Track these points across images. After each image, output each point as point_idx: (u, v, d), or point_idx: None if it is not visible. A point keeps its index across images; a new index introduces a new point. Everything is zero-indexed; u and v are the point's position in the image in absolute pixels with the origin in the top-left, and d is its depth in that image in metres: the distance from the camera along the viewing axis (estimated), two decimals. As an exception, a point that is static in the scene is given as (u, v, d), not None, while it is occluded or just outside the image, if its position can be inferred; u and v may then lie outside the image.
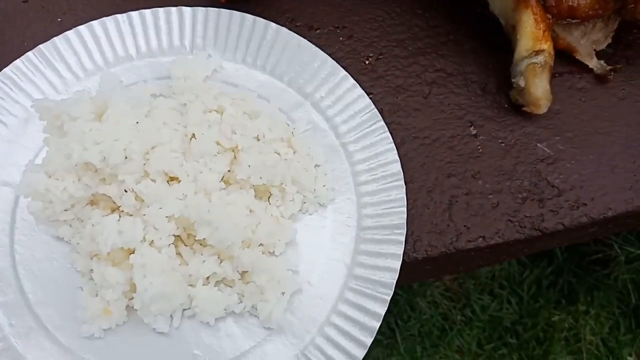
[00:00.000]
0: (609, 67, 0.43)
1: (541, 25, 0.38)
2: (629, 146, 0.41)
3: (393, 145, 0.38)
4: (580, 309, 0.83)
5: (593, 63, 0.43)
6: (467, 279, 0.82)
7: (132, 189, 0.34)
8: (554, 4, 0.38)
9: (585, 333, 0.83)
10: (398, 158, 0.37)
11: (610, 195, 0.39)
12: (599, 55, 0.44)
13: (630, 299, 0.82)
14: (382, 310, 0.33)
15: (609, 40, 0.44)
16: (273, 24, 0.42)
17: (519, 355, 0.81)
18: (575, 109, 0.42)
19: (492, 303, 0.81)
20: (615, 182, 0.39)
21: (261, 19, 0.42)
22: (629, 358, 0.84)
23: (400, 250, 0.34)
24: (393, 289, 0.33)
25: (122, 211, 0.35)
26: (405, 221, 0.35)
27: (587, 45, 0.43)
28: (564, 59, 0.43)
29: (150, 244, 0.33)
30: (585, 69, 0.43)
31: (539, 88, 0.38)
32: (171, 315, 0.34)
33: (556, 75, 0.43)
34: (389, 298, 0.33)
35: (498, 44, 0.42)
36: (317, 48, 0.41)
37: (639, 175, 0.40)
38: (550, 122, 0.41)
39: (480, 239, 0.37)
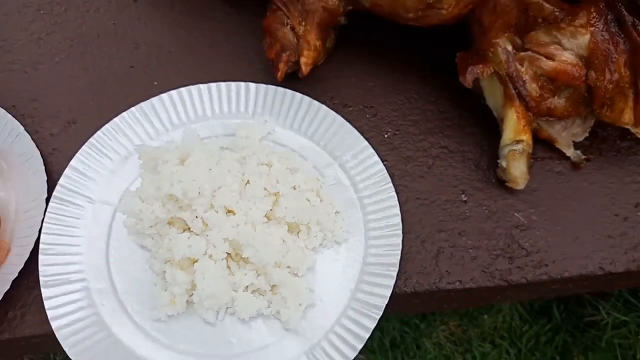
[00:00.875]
0: (583, 157, 0.54)
1: (522, 121, 0.50)
2: (592, 223, 0.51)
3: (397, 202, 0.50)
4: None
5: (570, 152, 0.54)
6: (471, 327, 0.92)
7: (201, 217, 0.47)
8: (534, 105, 0.50)
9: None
10: (400, 213, 0.49)
11: (569, 260, 0.49)
12: (577, 145, 0.54)
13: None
14: (372, 325, 0.45)
15: (587, 134, 0.55)
16: (315, 101, 0.55)
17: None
18: (551, 188, 0.53)
19: (492, 351, 0.90)
20: (575, 251, 0.50)
21: (307, 97, 0.55)
22: None
23: (391, 283, 0.46)
24: (382, 310, 0.45)
25: (192, 231, 0.47)
26: (398, 262, 0.47)
27: (567, 137, 0.55)
28: (547, 147, 0.54)
29: (209, 257, 0.46)
30: (563, 156, 0.54)
31: (517, 169, 0.50)
32: (217, 311, 0.47)
33: (539, 159, 0.54)
34: (378, 317, 0.45)
35: (492, 130, 0.53)
36: (347, 122, 0.54)
37: (596, 247, 0.50)
38: (528, 197, 0.52)
39: (457, 283, 0.48)
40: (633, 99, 0.48)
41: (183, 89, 0.57)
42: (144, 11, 0.66)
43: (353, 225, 0.50)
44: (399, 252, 0.48)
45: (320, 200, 0.50)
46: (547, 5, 0.47)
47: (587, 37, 0.47)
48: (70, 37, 0.64)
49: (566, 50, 0.48)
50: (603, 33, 0.47)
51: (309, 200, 0.50)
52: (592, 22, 0.47)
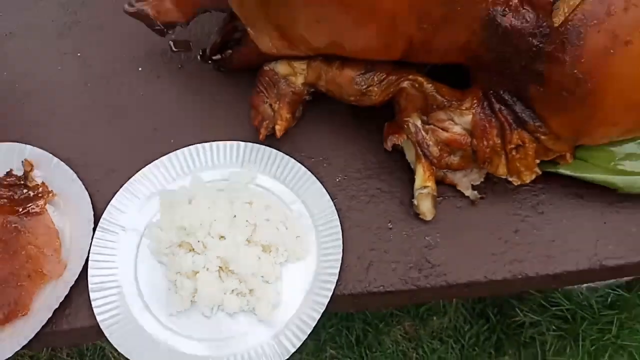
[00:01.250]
0: (479, 196, 0.65)
1: (427, 173, 0.63)
2: (482, 244, 0.62)
3: (341, 229, 0.61)
4: (510, 358, 1.02)
5: (468, 193, 0.65)
6: (422, 326, 1.03)
7: (202, 241, 0.58)
8: (436, 161, 0.62)
9: (513, 379, 1.01)
10: (342, 237, 0.61)
11: (462, 271, 0.60)
12: (475, 187, 0.65)
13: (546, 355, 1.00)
14: (317, 316, 0.56)
15: (482, 179, 0.66)
16: (286, 156, 0.66)
17: (458, 389, 1.01)
18: (453, 218, 0.64)
19: (440, 347, 1.01)
20: (467, 264, 0.61)
21: (280, 152, 0.66)
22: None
23: (332, 286, 0.58)
24: (325, 306, 0.58)
25: (195, 251, 0.58)
26: (338, 272, 0.59)
27: (466, 182, 0.66)
28: (452, 189, 0.66)
29: (207, 269, 0.57)
30: (464, 195, 0.65)
31: (424, 207, 0.62)
32: (212, 308, 0.57)
33: (446, 197, 0.65)
34: (322, 310, 0.57)
35: (414, 177, 0.64)
36: (309, 171, 0.65)
37: (482, 262, 0.61)
38: (436, 225, 0.63)
39: (381, 287, 0.60)
40: (504, 158, 0.61)
41: (192, 147, 0.68)
42: (165, 85, 0.78)
43: (310, 246, 0.62)
44: (339, 265, 0.60)
45: (286, 228, 0.61)
46: (438, 97, 0.60)
47: (470, 116, 0.61)
48: (111, 105, 0.76)
49: (457, 125, 0.62)
50: (480, 114, 0.60)
51: (278, 229, 0.61)
52: (473, 106, 0.61)
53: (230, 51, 0.72)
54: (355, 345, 1.02)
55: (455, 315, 1.06)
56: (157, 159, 0.67)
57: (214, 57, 0.75)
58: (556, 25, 0.51)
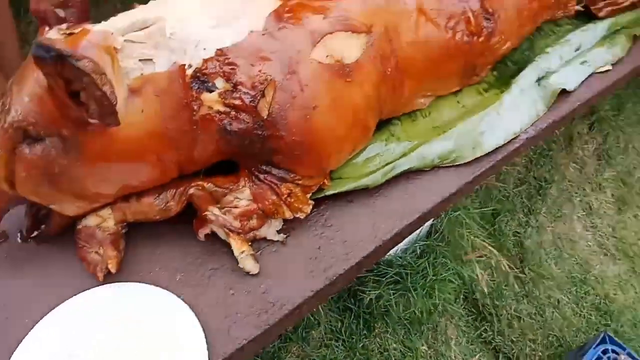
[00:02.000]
0: (285, 236, 0.85)
1: (239, 241, 0.80)
2: (300, 268, 0.83)
3: (196, 317, 0.77)
4: (380, 330, 1.23)
5: (277, 237, 0.80)
6: (307, 344, 1.20)
7: None
8: (241, 231, 0.80)
9: (389, 344, 1.23)
10: (199, 323, 0.76)
11: (295, 295, 0.77)
12: (280, 231, 0.83)
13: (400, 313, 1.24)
14: None
15: (282, 223, 0.88)
16: (127, 283, 0.74)
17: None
18: (273, 263, 0.83)
19: (327, 351, 1.19)
20: (297, 288, 0.78)
21: (120, 283, 0.79)
22: (421, 347, 1.25)
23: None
24: None
25: None
26: (206, 350, 0.74)
27: (272, 231, 0.81)
28: (265, 240, 0.85)
29: None
30: (275, 240, 0.84)
31: (248, 265, 0.77)
32: None
33: (263, 249, 0.82)
34: None
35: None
36: (153, 285, 0.78)
37: (306, 281, 0.81)
38: (260, 274, 0.77)
39: (244, 340, 0.74)
40: (285, 206, 0.81)
41: (46, 318, 0.72)
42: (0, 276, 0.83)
43: (181, 347, 0.71)
44: (206, 345, 0.73)
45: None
46: (219, 189, 0.78)
47: (248, 190, 0.79)
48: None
49: (242, 200, 0.80)
50: (253, 186, 0.79)
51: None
52: (247, 183, 0.79)
53: (43, 226, 0.81)
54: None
55: (327, 321, 1.24)
56: (19, 343, 0.70)
57: (32, 236, 0.82)
58: (265, 117, 0.71)
